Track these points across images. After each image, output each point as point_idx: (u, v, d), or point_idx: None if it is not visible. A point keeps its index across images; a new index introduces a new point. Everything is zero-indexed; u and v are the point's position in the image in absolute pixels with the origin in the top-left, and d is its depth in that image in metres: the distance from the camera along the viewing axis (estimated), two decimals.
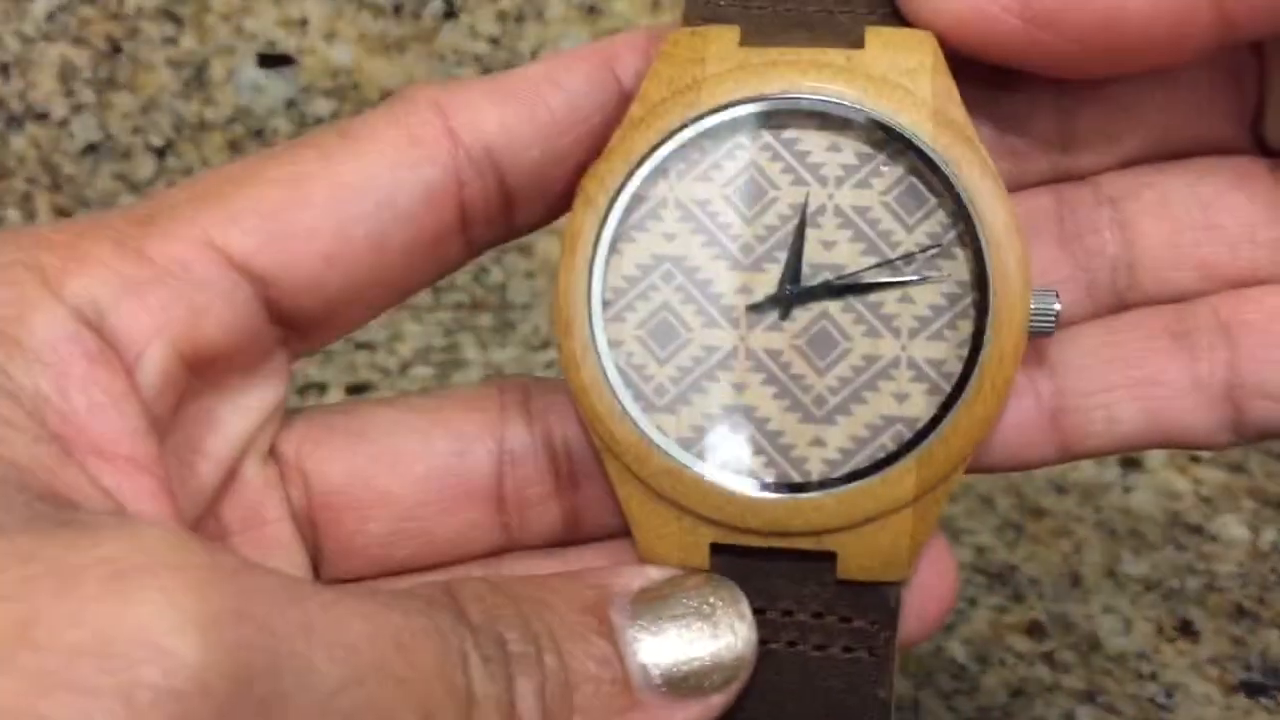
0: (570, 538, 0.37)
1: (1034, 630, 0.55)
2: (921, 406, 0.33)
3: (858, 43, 0.33)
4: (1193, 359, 0.34)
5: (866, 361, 0.33)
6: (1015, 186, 0.35)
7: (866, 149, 0.33)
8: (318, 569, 0.36)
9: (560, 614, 0.31)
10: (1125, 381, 0.34)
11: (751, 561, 0.33)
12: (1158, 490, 0.61)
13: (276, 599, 0.25)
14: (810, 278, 0.33)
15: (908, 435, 0.33)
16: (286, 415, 0.36)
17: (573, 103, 0.34)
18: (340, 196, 0.33)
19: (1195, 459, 0.62)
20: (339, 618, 0.26)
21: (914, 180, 0.33)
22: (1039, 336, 0.33)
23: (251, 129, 0.74)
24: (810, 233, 0.33)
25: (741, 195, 0.33)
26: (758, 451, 0.33)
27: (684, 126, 0.33)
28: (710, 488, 0.33)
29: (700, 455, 0.33)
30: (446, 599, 0.30)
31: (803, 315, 0.33)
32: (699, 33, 0.34)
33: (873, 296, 0.33)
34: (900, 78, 0.33)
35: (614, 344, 0.34)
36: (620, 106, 0.34)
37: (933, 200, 0.33)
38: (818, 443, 0.33)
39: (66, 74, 0.73)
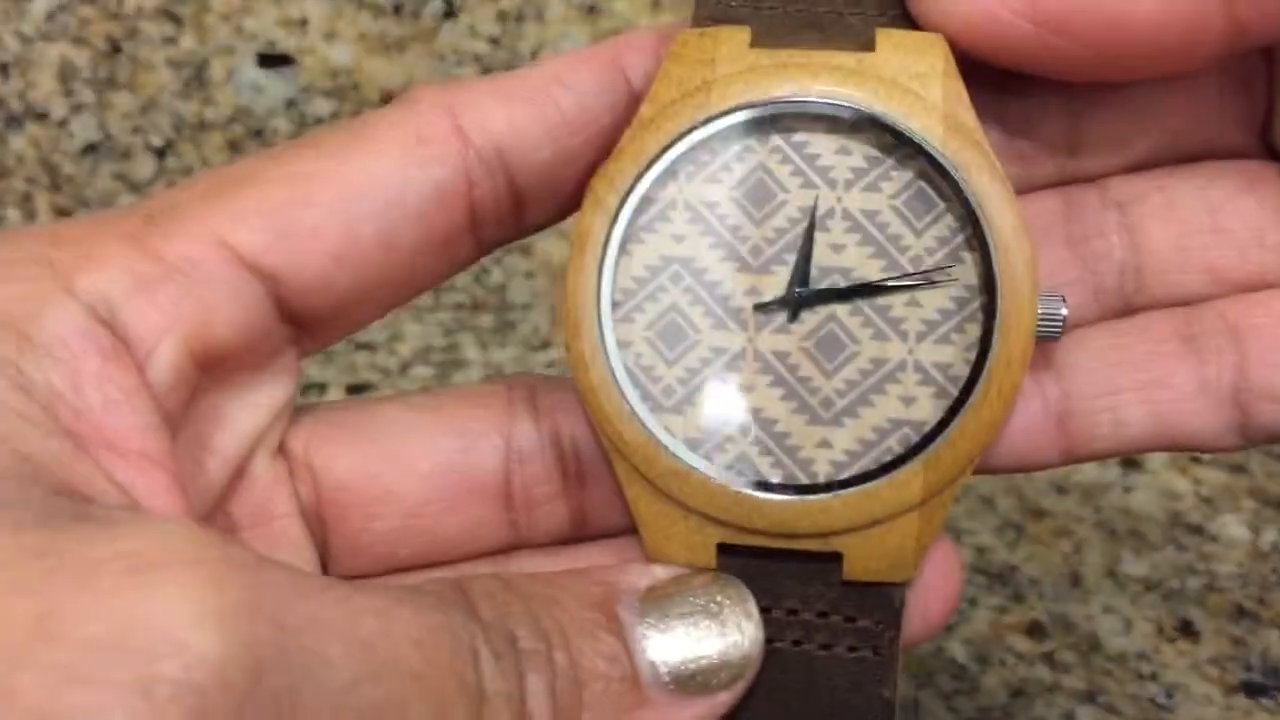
0: (577, 536, 0.37)
1: (1034, 630, 0.55)
2: (929, 410, 0.33)
3: (868, 45, 0.33)
4: (1200, 362, 0.34)
5: (874, 364, 0.33)
6: (1023, 189, 0.35)
7: (876, 152, 0.33)
8: (325, 565, 0.36)
9: (569, 611, 0.31)
10: (1132, 385, 0.34)
11: (758, 561, 0.34)
12: (1158, 490, 0.61)
13: (291, 594, 0.26)
14: (818, 280, 0.33)
15: (915, 438, 0.33)
16: (295, 412, 0.36)
17: (582, 103, 0.34)
18: (350, 195, 0.33)
19: (1196, 459, 0.63)
20: (352, 613, 0.26)
21: (923, 184, 0.33)
22: (1046, 341, 0.33)
23: (251, 129, 0.74)
24: (819, 236, 0.33)
25: (751, 198, 0.34)
26: (765, 453, 0.33)
27: (694, 128, 0.33)
28: (717, 488, 0.33)
29: (707, 456, 0.33)
30: (457, 595, 0.30)
31: (811, 318, 0.33)
32: (709, 34, 0.34)
33: (881, 300, 0.33)
34: (911, 81, 0.33)
35: (622, 345, 0.34)
36: (629, 107, 0.34)
37: (941, 205, 0.33)
38: (825, 445, 0.33)
39: (66, 74, 0.73)
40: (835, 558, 0.33)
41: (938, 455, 0.33)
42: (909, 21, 0.34)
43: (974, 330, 0.33)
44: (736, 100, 0.33)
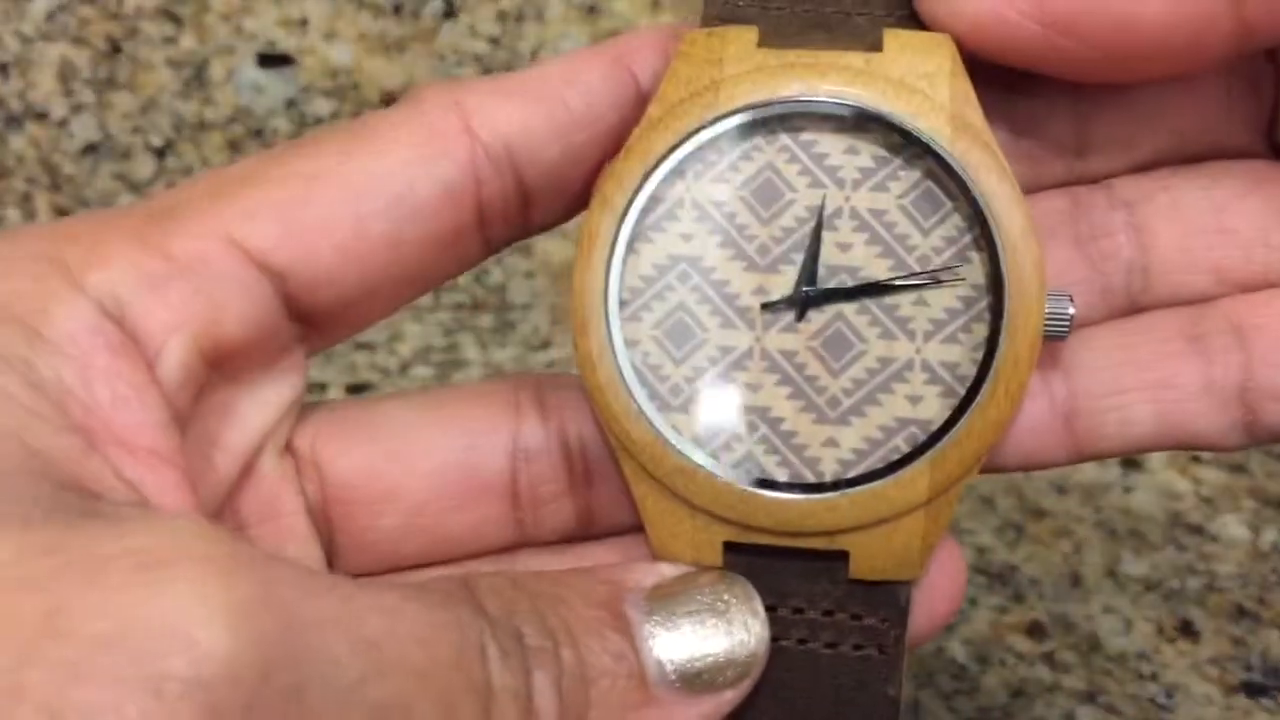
0: (583, 534, 0.37)
1: (1034, 630, 0.55)
2: (935, 409, 0.33)
3: (876, 45, 0.33)
4: (1206, 362, 0.34)
5: (881, 363, 0.33)
6: (1030, 189, 0.35)
7: (884, 152, 0.33)
8: (331, 563, 0.36)
9: (576, 609, 0.31)
10: (1139, 384, 0.34)
11: (764, 559, 0.34)
12: (1158, 490, 0.61)
13: (299, 591, 0.26)
14: (826, 280, 0.33)
15: (921, 437, 0.33)
16: (301, 410, 0.36)
17: (590, 101, 0.34)
18: (358, 193, 0.33)
19: (1196, 459, 0.63)
20: (360, 610, 0.27)
21: (931, 184, 0.33)
22: (1053, 341, 0.33)
23: (251, 129, 0.74)
24: (826, 235, 0.33)
25: (758, 197, 0.34)
26: (771, 451, 0.34)
27: (702, 128, 0.33)
28: (724, 487, 0.33)
29: (714, 455, 0.33)
30: (464, 593, 0.30)
31: (818, 317, 0.33)
32: (717, 33, 0.34)
33: (888, 299, 0.33)
34: (918, 81, 0.33)
35: (630, 343, 0.34)
36: (637, 105, 0.34)
37: (949, 204, 0.33)
38: (831, 443, 0.33)
39: (66, 74, 0.73)
40: (841, 556, 0.33)
41: (944, 454, 0.33)
42: (916, 22, 0.34)
43: (981, 330, 0.33)
44: (744, 100, 0.33)
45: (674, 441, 0.33)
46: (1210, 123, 0.36)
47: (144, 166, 0.74)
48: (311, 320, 0.34)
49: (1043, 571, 0.58)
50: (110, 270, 0.30)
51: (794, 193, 0.33)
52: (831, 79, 0.33)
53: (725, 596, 0.33)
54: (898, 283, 0.33)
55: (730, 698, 0.32)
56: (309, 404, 0.36)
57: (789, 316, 0.34)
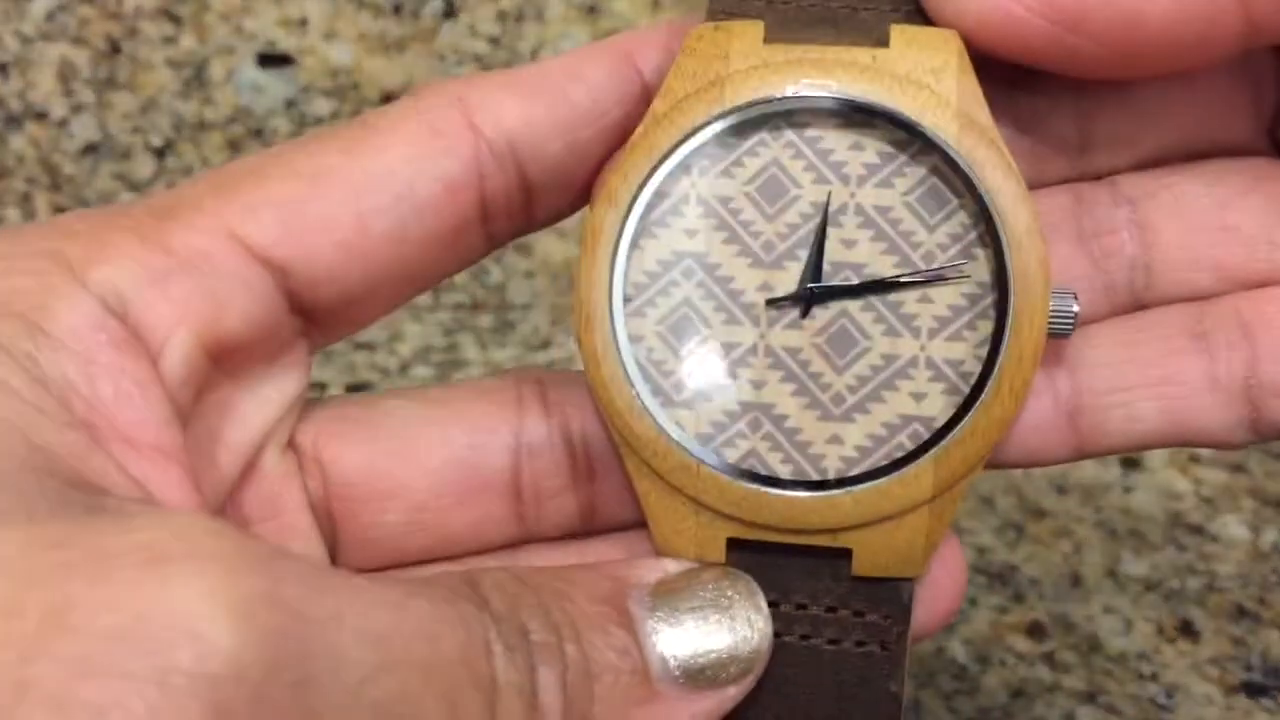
0: (585, 529, 0.37)
1: (1034, 630, 0.55)
2: (939, 406, 0.33)
3: (882, 40, 0.33)
4: (1211, 358, 0.34)
5: (885, 360, 0.33)
6: (1034, 185, 0.35)
7: (889, 148, 0.33)
8: (334, 559, 0.36)
9: (580, 605, 0.31)
10: (1144, 381, 0.34)
11: (767, 556, 0.34)
12: (1158, 490, 0.61)
13: (306, 586, 0.26)
14: (831, 276, 0.33)
15: (925, 435, 0.33)
16: (304, 406, 0.36)
17: (594, 96, 0.34)
18: (360, 188, 0.33)
19: (1196, 459, 0.63)
20: (367, 606, 0.26)
21: (936, 181, 0.33)
22: (1057, 338, 0.33)
23: (251, 129, 0.74)
24: (832, 231, 0.33)
25: (764, 193, 0.34)
26: (775, 448, 0.34)
27: (708, 123, 0.33)
28: (727, 484, 0.33)
29: (718, 451, 0.33)
30: (468, 588, 0.30)
31: (823, 314, 0.33)
32: (723, 28, 0.34)
33: (893, 296, 0.33)
34: (925, 77, 0.33)
35: (634, 339, 0.34)
36: (641, 100, 0.34)
37: (954, 201, 0.33)
38: (835, 440, 0.33)
39: (66, 74, 0.73)
40: (845, 553, 0.33)
41: (948, 452, 0.33)
42: (923, 17, 0.34)
43: (986, 327, 0.33)
44: (750, 96, 0.33)
45: (677, 438, 0.33)
46: (1213, 119, 0.36)
47: (144, 166, 0.74)
48: (314, 317, 0.34)
49: (1043, 571, 0.58)
50: (112, 266, 0.30)
51: (799, 189, 0.33)
52: (838, 75, 0.33)
53: (729, 593, 0.33)
54: (902, 280, 0.33)
55: (733, 694, 0.32)
56: (311, 401, 0.36)
57: (794, 313, 0.34)
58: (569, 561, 0.35)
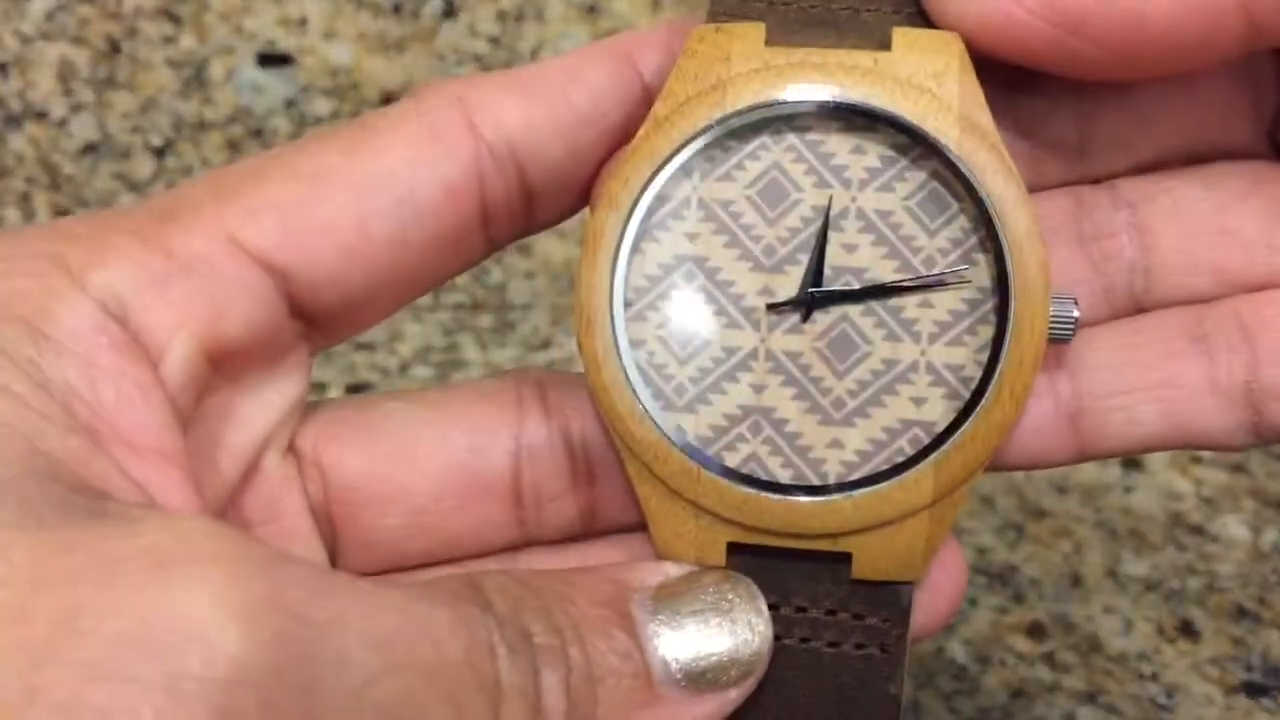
0: (586, 532, 0.37)
1: (1035, 631, 0.55)
2: (940, 411, 0.33)
3: (884, 43, 0.33)
4: (1211, 361, 0.34)
5: (886, 365, 0.33)
6: (1033, 188, 0.35)
7: (890, 153, 0.33)
8: (334, 563, 0.36)
9: (582, 608, 0.31)
10: (1144, 384, 0.34)
11: (767, 559, 0.34)
12: (1159, 491, 0.61)
13: (312, 590, 0.26)
14: (831, 281, 0.33)
15: (925, 440, 0.33)
16: (304, 409, 0.36)
17: (595, 98, 0.34)
18: (361, 191, 0.33)
19: (1196, 459, 0.63)
20: (370, 609, 0.27)
21: (937, 185, 0.33)
22: (1057, 343, 0.33)
23: (251, 129, 0.74)
24: (832, 236, 0.33)
25: (765, 197, 0.34)
26: (775, 453, 0.34)
27: (709, 127, 0.33)
28: (727, 488, 0.33)
29: (718, 456, 0.33)
30: (471, 592, 0.30)
31: (823, 318, 0.33)
32: (724, 30, 0.34)
33: (893, 300, 0.33)
34: (926, 81, 0.33)
35: (635, 344, 0.34)
36: (642, 102, 0.34)
37: (955, 206, 0.33)
38: (836, 445, 0.33)
39: (65, 73, 0.73)
40: (845, 557, 0.33)
41: (948, 457, 0.33)
42: (924, 19, 0.34)
43: (986, 332, 0.33)
44: (752, 100, 0.33)
45: (678, 442, 0.33)
46: (1213, 122, 0.36)
47: (144, 166, 0.74)
48: (314, 320, 0.34)
49: (1043, 571, 0.58)
50: (111, 269, 0.30)
51: (800, 193, 0.33)
52: (839, 79, 0.33)
53: (729, 596, 0.33)
54: (903, 284, 0.33)
55: (734, 696, 0.32)
56: (311, 403, 0.36)
57: (794, 318, 0.34)
58: (569, 564, 0.35)
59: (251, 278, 0.32)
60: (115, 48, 0.72)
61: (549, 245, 0.74)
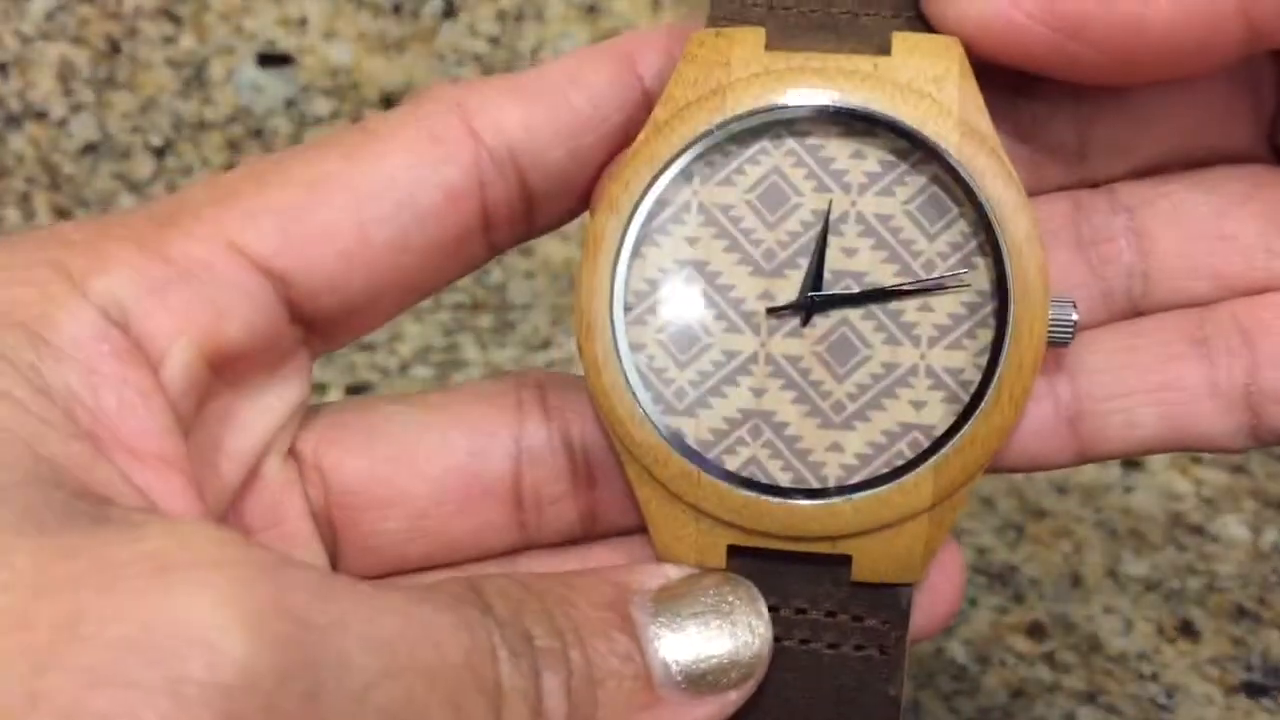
0: (586, 535, 0.37)
1: (1035, 631, 0.55)
2: (939, 414, 0.33)
3: (884, 48, 0.33)
4: (1210, 364, 0.34)
5: (886, 369, 0.33)
6: (1032, 192, 0.35)
7: (890, 157, 0.33)
8: (335, 566, 0.36)
9: (583, 611, 0.31)
10: (1144, 386, 0.34)
11: (767, 561, 0.34)
12: (1159, 491, 0.61)
13: (313, 594, 0.26)
14: (831, 285, 0.33)
15: (925, 443, 0.33)
16: (305, 413, 0.36)
17: (595, 102, 0.34)
18: (361, 197, 0.33)
19: (1197, 460, 0.63)
20: (372, 612, 0.27)
21: (937, 189, 0.33)
22: (1056, 347, 0.33)
23: (251, 129, 0.74)
24: (832, 240, 0.33)
25: (765, 201, 0.34)
26: (775, 456, 0.34)
27: (709, 132, 0.33)
28: (728, 492, 0.33)
29: (718, 459, 0.34)
30: (473, 595, 0.30)
31: (823, 322, 0.34)
32: (724, 34, 0.34)
33: (893, 304, 0.33)
34: (926, 85, 0.33)
35: (635, 347, 0.34)
36: (642, 105, 0.34)
37: (955, 210, 0.33)
38: (836, 448, 0.33)
39: (65, 73, 0.73)
40: (844, 559, 0.34)
41: (948, 460, 0.33)
42: (923, 22, 0.34)
43: (985, 335, 0.33)
44: (752, 104, 0.33)
45: (678, 446, 0.33)
46: (1212, 126, 0.36)
47: (143, 166, 0.74)
48: (315, 324, 0.34)
49: (1043, 572, 0.58)
50: (112, 276, 0.30)
51: (800, 197, 0.34)
52: (839, 84, 0.33)
53: (730, 598, 0.33)
54: (903, 288, 0.33)
55: (734, 698, 0.32)
56: (312, 407, 0.36)
57: (794, 321, 0.34)
58: (570, 567, 0.35)
59: (251, 283, 0.32)
60: (115, 48, 0.72)
61: (550, 246, 0.74)
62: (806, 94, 0.33)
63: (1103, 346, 0.35)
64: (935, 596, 0.35)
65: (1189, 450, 0.35)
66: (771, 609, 0.33)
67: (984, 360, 0.33)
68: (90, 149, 0.74)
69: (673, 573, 0.34)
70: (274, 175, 0.33)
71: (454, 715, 0.27)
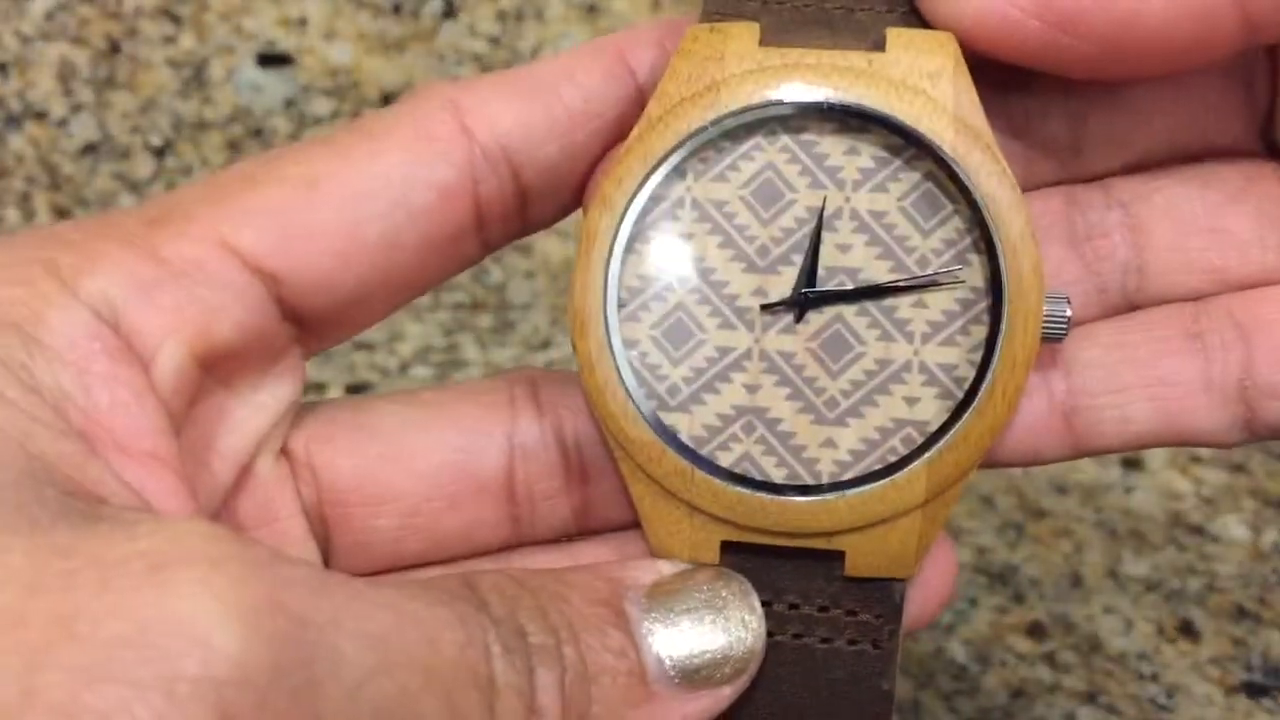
0: (579, 531, 0.37)
1: (1035, 631, 0.55)
2: (933, 411, 0.33)
3: (878, 44, 0.33)
4: (1206, 359, 0.34)
5: (879, 365, 0.33)
6: (1025, 187, 0.35)
7: (884, 153, 0.33)
8: (328, 564, 0.36)
9: (577, 606, 0.31)
10: (1138, 381, 0.34)
11: (760, 557, 0.34)
12: (1159, 490, 0.61)
13: (308, 590, 0.26)
14: (825, 281, 0.33)
15: (918, 439, 0.33)
16: (297, 411, 0.36)
17: (588, 98, 0.34)
18: (353, 195, 0.33)
19: (1197, 459, 0.63)
20: (366, 609, 0.27)
21: (931, 186, 0.33)
22: (1050, 343, 0.33)
23: (251, 129, 0.74)
24: (826, 236, 0.33)
25: (759, 197, 0.34)
26: (769, 452, 0.34)
27: (703, 128, 0.33)
28: (722, 488, 0.33)
29: (712, 455, 0.33)
30: (467, 591, 0.30)
31: (817, 318, 0.33)
32: (719, 29, 0.34)
33: (887, 301, 0.33)
34: (921, 82, 0.33)
35: (629, 344, 0.34)
36: (635, 101, 0.34)
37: (949, 206, 0.33)
38: (829, 444, 0.33)
39: (65, 73, 0.73)
40: (837, 554, 0.34)
41: (941, 456, 0.33)
42: (918, 18, 0.34)
43: (979, 332, 0.33)
44: (746, 101, 0.33)
45: (672, 443, 0.33)
46: (1206, 121, 0.36)
47: (143, 166, 0.74)
48: (307, 323, 0.34)
49: (1043, 571, 0.58)
50: (103, 275, 0.30)
51: (794, 193, 0.33)
52: (834, 80, 0.33)
53: (723, 594, 0.33)
54: (897, 285, 0.33)
55: (728, 693, 0.32)
56: (304, 405, 0.36)
57: (788, 318, 0.34)
58: (563, 563, 0.35)
59: (243, 282, 0.32)
60: (115, 48, 0.72)
61: (549, 245, 0.74)
62: (801, 90, 0.33)
63: (1097, 341, 0.35)
64: (927, 589, 0.35)
65: (1183, 444, 0.35)
66: (765, 604, 0.33)
67: (978, 357, 0.33)
68: (90, 149, 0.74)
69: (666, 568, 0.34)
70: (266, 174, 0.33)
71: (448, 711, 0.27)
